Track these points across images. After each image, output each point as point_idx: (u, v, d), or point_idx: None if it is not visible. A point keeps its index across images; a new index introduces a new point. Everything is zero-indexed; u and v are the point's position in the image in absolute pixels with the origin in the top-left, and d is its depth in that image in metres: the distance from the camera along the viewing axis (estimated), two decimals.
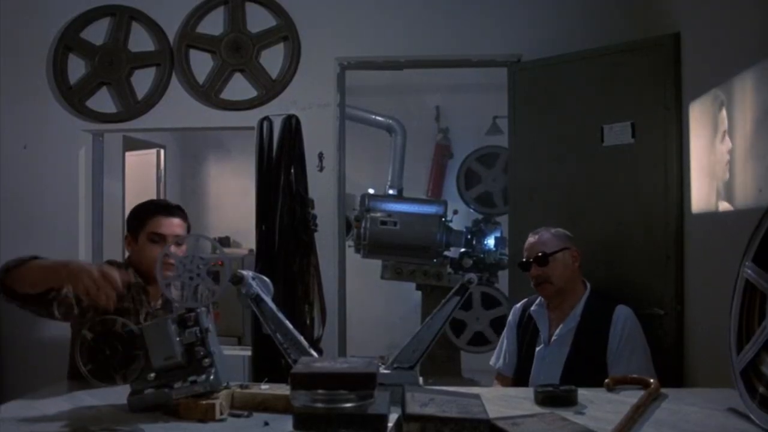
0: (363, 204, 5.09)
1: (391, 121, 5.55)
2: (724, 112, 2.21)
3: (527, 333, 2.53)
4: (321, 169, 3.03)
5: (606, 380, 1.81)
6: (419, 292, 5.24)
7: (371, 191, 5.42)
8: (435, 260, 5.02)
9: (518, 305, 2.64)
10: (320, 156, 3.03)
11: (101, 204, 3.32)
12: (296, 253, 2.86)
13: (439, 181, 6.19)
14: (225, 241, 6.29)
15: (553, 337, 2.42)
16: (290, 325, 1.79)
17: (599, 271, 2.61)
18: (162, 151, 6.27)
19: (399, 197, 5.34)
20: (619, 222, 2.71)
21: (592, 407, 1.64)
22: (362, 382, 1.35)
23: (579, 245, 2.49)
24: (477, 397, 1.46)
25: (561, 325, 2.42)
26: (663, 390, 1.76)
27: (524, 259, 2.48)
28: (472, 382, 5.12)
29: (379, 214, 5.00)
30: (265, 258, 2.88)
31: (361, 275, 5.36)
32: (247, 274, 1.79)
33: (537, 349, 2.47)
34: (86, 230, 3.25)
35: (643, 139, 2.65)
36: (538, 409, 1.63)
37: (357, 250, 5.10)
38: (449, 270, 5.14)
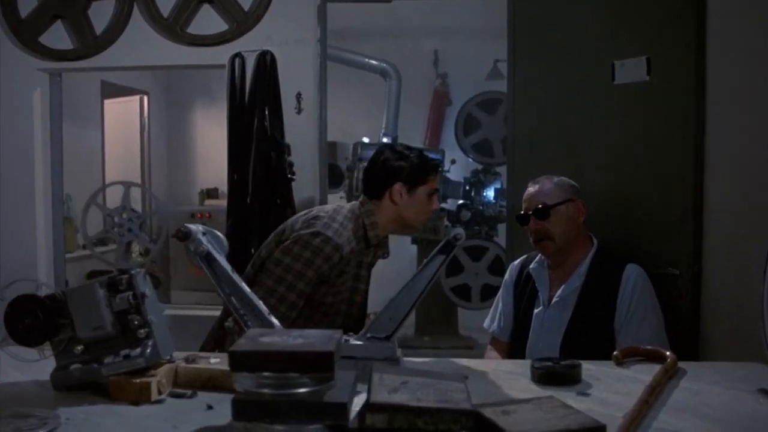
0: (355, 153, 4.88)
1: (385, 65, 5.26)
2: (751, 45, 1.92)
3: (525, 294, 2.27)
4: (299, 111, 2.74)
5: (615, 353, 1.56)
6: (415, 246, 5.03)
7: (366, 140, 5.17)
8: None
9: (515, 263, 2.38)
10: (298, 97, 2.73)
11: (60, 152, 3.03)
12: (272, 205, 2.58)
13: (437, 130, 5.93)
14: (213, 193, 6.05)
15: (554, 299, 2.17)
16: (247, 288, 1.54)
17: (607, 227, 2.34)
18: (145, 98, 5.96)
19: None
20: (630, 171, 2.42)
21: (598, 386, 1.39)
22: (318, 363, 1.09)
23: (585, 198, 2.21)
24: (462, 379, 1.21)
25: (563, 286, 2.16)
26: (680, 364, 1.51)
27: (522, 212, 2.21)
28: (470, 340, 4.94)
29: None
30: (237, 211, 2.61)
31: None
32: (196, 228, 1.53)
33: (535, 311, 2.22)
34: (44, 181, 2.97)
35: (660, 77, 2.33)
36: (535, 389, 1.39)
37: (348, 201, 4.88)
38: (446, 223, 4.93)
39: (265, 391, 1.10)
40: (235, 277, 1.53)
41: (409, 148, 2.15)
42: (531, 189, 2.22)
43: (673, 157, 2.32)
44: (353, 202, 2.13)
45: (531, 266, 2.27)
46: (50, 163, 2.99)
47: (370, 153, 4.91)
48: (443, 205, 4.91)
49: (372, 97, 5.45)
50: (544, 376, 1.41)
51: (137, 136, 5.90)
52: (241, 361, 1.10)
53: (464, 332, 5.06)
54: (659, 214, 2.34)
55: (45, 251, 3.08)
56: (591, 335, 2.07)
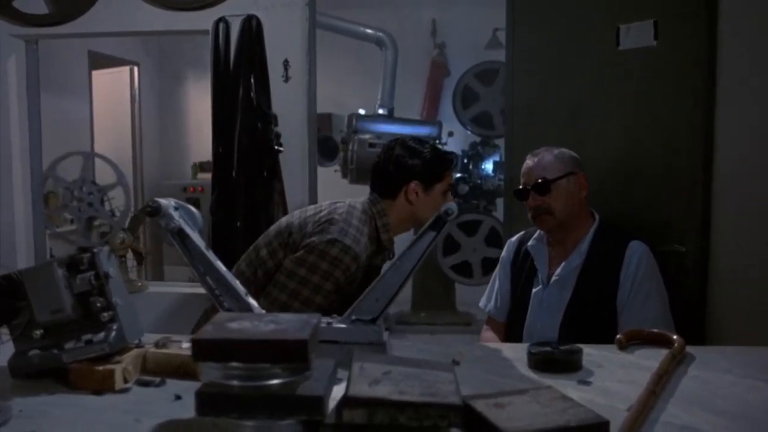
0: (350, 125, 4.77)
1: (381, 34, 5.10)
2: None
3: (523, 272, 2.16)
4: (286, 79, 2.59)
5: (618, 336, 1.45)
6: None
7: (362, 112, 5.04)
8: None
9: (513, 239, 2.27)
10: (285, 64, 2.59)
11: (38, 124, 2.89)
12: (258, 178, 2.46)
13: (435, 102, 5.79)
14: (206, 166, 5.91)
15: (553, 278, 2.06)
16: (223, 267, 1.43)
17: (610, 201, 2.22)
18: (136, 69, 5.80)
19: (389, 118, 4.95)
20: (635, 142, 2.30)
21: (600, 374, 1.29)
22: (290, 352, 0.99)
23: (587, 170, 2.09)
24: (451, 368, 1.10)
25: (563, 264, 2.05)
26: (688, 348, 1.41)
27: (521, 187, 2.09)
28: (468, 316, 4.86)
29: (367, 136, 4.67)
30: (222, 184, 2.49)
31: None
32: (167, 202, 1.42)
33: (534, 290, 2.11)
34: (22, 154, 2.84)
35: (668, 41, 2.20)
36: (532, 376, 1.28)
37: (344, 175, 4.80)
38: None
39: (234, 383, 1.00)
40: (210, 255, 1.42)
41: (421, 142, 2.03)
42: (529, 162, 2.09)
43: (681, 126, 2.19)
44: (363, 201, 1.99)
45: (529, 243, 2.16)
46: (28, 136, 2.84)
47: (366, 125, 4.89)
48: None
49: (368, 68, 5.32)
50: (542, 363, 1.30)
51: (128, 108, 5.76)
52: (205, 350, 0.99)
53: (462, 308, 4.99)
54: (665, 187, 2.22)
55: (24, 227, 2.96)
56: (592, 315, 1.97)
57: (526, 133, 2.52)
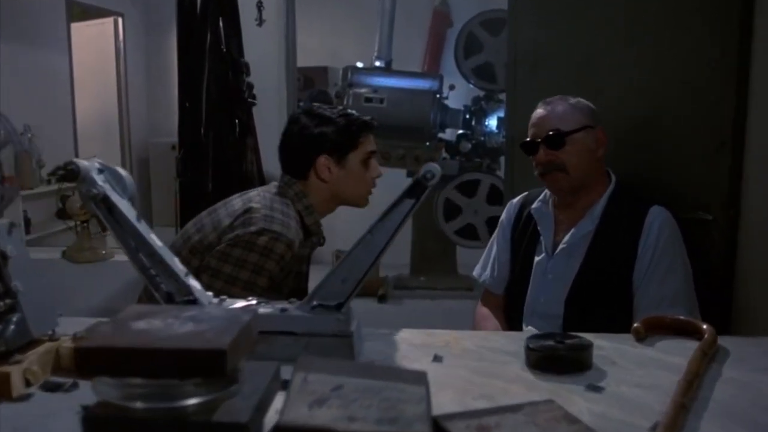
0: (345, 78, 4.49)
1: None
2: None
3: (524, 238, 1.91)
4: (260, 23, 2.31)
5: (635, 325, 1.20)
6: (410, 180, 4.67)
7: (360, 65, 4.75)
8: (428, 143, 4.45)
9: (515, 200, 2.01)
10: (259, 5, 2.30)
11: None
12: (229, 134, 2.20)
13: (437, 55, 5.49)
14: None
15: (560, 246, 1.80)
16: (158, 242, 1.18)
17: (628, 160, 1.94)
18: (120, 21, 5.49)
19: (387, 70, 4.65)
20: (657, 94, 2.01)
21: (614, 375, 1.04)
22: (204, 365, 0.75)
23: (602, 126, 1.82)
24: (423, 378, 0.86)
25: (572, 230, 1.79)
26: (720, 340, 1.16)
27: (529, 139, 1.82)
28: (469, 280, 4.64)
29: (363, 90, 4.41)
30: (189, 143, 2.23)
31: None
32: (89, 164, 1.17)
33: (536, 259, 1.86)
34: None
35: None
36: (530, 378, 1.04)
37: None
38: (444, 155, 4.58)
39: (137, 405, 0.76)
40: (142, 227, 1.18)
41: (329, 108, 1.75)
42: (541, 111, 1.81)
43: (711, 75, 1.90)
44: (274, 185, 1.74)
45: (533, 206, 1.90)
46: None
47: (362, 78, 4.59)
48: (441, 135, 4.53)
49: (369, 20, 4.99)
50: (543, 361, 1.06)
51: (112, 61, 5.46)
52: (94, 362, 0.76)
53: (463, 271, 4.76)
54: (691, 146, 1.93)
55: None
56: (603, 291, 1.72)
57: (530, 84, 2.23)
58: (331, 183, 1.71)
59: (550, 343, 1.08)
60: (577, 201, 1.81)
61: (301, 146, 1.70)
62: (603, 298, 1.72)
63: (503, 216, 2.02)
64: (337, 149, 1.70)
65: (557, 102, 1.79)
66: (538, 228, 1.87)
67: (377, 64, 4.69)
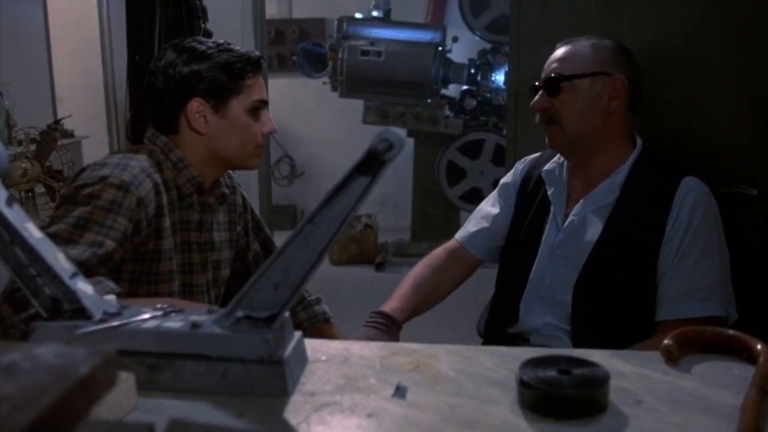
0: (340, 29, 4.20)
1: None
2: None
3: (531, 206, 1.60)
4: None
5: (666, 342, 0.90)
6: (411, 140, 4.39)
7: (359, 15, 4.43)
8: (429, 100, 4.17)
9: (525, 160, 1.71)
10: None
11: None
12: None
13: (441, 4, 5.11)
14: None
15: (571, 217, 1.51)
16: (38, 233, 0.89)
17: (656, 122, 1.64)
18: None
19: (385, 21, 4.32)
20: (687, 42, 1.68)
21: (638, 421, 0.75)
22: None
23: None
24: None
25: (587, 200, 1.50)
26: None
27: (537, 83, 1.52)
28: None
29: (359, 42, 4.11)
30: (140, 104, 1.93)
31: (343, 116, 4.57)
32: None
33: (544, 234, 1.56)
34: None
35: None
36: (522, 425, 0.75)
37: (333, 88, 4.26)
38: (447, 113, 4.29)
39: None
40: (13, 212, 0.88)
41: (206, 40, 1.41)
42: (557, 50, 1.52)
43: (756, 17, 1.58)
44: (135, 147, 1.41)
45: (545, 168, 1.60)
46: None
47: (358, 30, 4.25)
48: (444, 91, 4.21)
49: None
50: (542, 402, 0.77)
51: (94, 12, 5.10)
52: None
53: None
54: (732, 108, 1.62)
55: None
56: (621, 275, 1.43)
57: (536, 22, 1.89)
58: (209, 136, 1.38)
59: (552, 373, 0.79)
60: (591, 164, 1.51)
61: (168, 87, 1.36)
62: (620, 285, 1.43)
63: (508, 177, 1.72)
64: (214, 92, 1.35)
65: (579, 42, 1.50)
66: (548, 195, 1.57)
67: (375, 14, 4.37)
